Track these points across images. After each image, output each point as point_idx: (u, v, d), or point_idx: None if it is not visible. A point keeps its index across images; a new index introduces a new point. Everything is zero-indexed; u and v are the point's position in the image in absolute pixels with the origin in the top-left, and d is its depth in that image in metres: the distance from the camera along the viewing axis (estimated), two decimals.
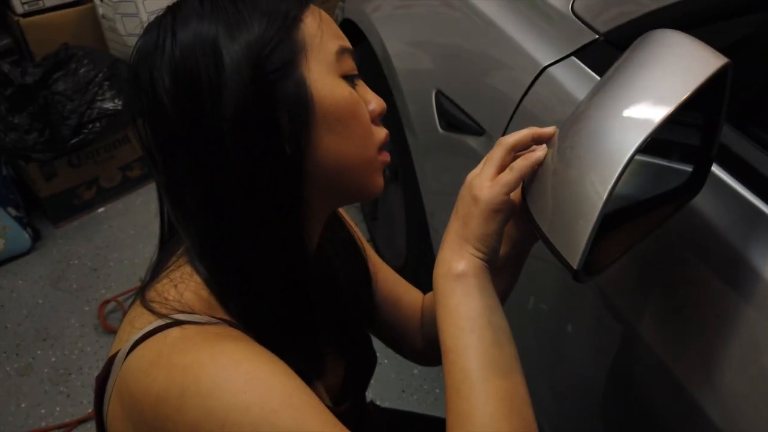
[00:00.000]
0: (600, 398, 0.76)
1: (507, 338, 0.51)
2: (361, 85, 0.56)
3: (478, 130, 0.98)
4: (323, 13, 0.55)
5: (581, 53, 0.81)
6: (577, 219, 0.44)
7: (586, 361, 0.77)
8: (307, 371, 0.54)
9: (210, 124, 0.48)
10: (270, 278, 0.52)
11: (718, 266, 0.57)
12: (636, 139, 0.42)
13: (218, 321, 0.51)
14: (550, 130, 0.53)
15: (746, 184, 0.57)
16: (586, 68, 0.79)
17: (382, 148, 0.56)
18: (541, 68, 0.84)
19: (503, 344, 0.50)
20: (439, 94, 1.08)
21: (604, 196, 0.42)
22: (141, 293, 0.53)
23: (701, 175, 0.55)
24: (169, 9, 0.52)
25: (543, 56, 0.85)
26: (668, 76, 0.46)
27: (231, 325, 0.51)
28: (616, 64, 0.53)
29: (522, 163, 0.51)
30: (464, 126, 1.02)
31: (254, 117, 0.48)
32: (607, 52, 0.78)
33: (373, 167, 0.55)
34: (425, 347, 0.78)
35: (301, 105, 0.50)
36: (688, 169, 0.55)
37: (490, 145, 0.94)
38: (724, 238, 0.56)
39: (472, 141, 1.00)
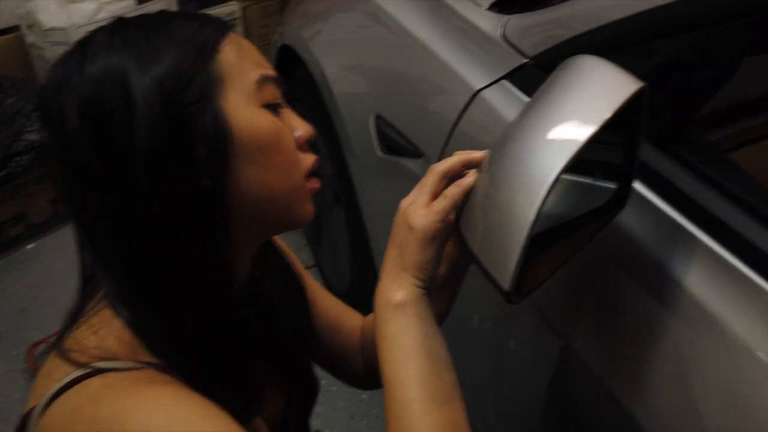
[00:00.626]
0: (540, 413, 0.77)
1: (446, 366, 0.51)
2: (287, 113, 0.55)
3: (416, 153, 0.99)
4: (244, 41, 0.54)
5: (512, 76, 0.83)
6: (506, 241, 0.45)
7: (527, 376, 0.78)
8: (246, 408, 0.53)
9: (123, 161, 0.47)
10: (195, 316, 0.51)
11: (643, 279, 0.59)
12: (560, 160, 0.44)
13: (143, 365, 0.49)
14: (479, 154, 0.54)
15: (666, 199, 0.59)
16: (517, 91, 0.82)
17: (312, 174, 0.56)
18: (474, 92, 0.86)
19: (443, 373, 0.50)
20: (378, 118, 1.09)
21: (531, 218, 0.43)
22: (57, 343, 0.50)
23: (624, 192, 0.57)
24: (79, 43, 0.51)
25: (475, 80, 0.87)
26: (589, 100, 0.48)
27: (157, 368, 0.49)
28: (540, 89, 0.55)
29: (454, 190, 0.51)
30: (403, 149, 1.03)
31: (169, 152, 0.47)
32: (536, 75, 0.80)
33: (300, 196, 0.55)
34: (366, 371, 0.77)
35: (219, 138, 0.48)
36: (613, 186, 0.57)
37: (427, 168, 0.95)
38: (648, 251, 0.59)
39: (411, 164, 1.01)
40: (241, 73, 0.51)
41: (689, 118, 0.62)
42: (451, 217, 0.53)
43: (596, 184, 0.57)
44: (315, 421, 0.73)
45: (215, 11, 2.73)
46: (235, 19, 2.81)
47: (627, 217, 0.59)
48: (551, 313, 0.69)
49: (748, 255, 0.53)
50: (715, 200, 0.56)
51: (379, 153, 1.10)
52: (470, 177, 0.52)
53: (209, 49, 0.50)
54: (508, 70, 0.84)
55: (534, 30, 0.83)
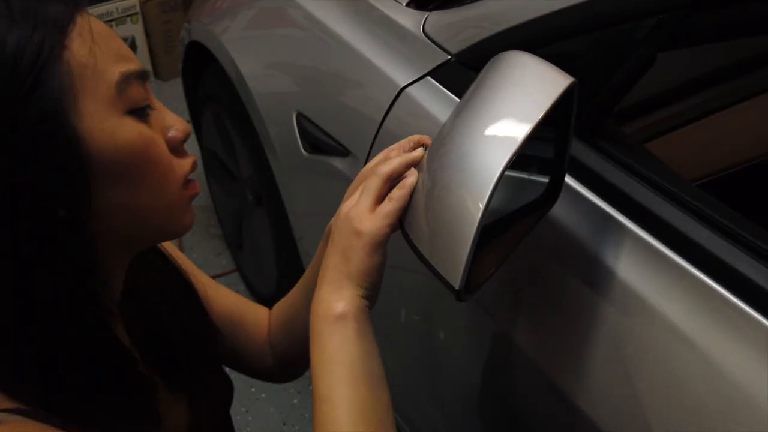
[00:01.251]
0: (479, 405, 0.78)
1: (382, 386, 0.50)
2: (158, 112, 0.48)
3: (342, 152, 0.98)
4: (96, 23, 0.45)
5: (436, 73, 0.84)
6: (455, 240, 0.45)
7: (465, 369, 0.79)
8: (146, 429, 0.50)
9: None
10: (63, 348, 0.45)
11: (576, 269, 0.61)
12: (502, 158, 0.44)
13: (7, 413, 0.43)
14: (419, 153, 0.53)
15: (595, 191, 0.61)
16: (442, 87, 0.82)
17: (189, 177, 0.51)
18: (399, 89, 0.86)
19: (378, 393, 0.49)
20: (300, 116, 1.06)
21: (479, 215, 0.43)
22: None
23: (557, 185, 0.58)
24: None
25: (400, 77, 0.87)
26: (524, 96, 0.48)
27: (25, 414, 0.43)
28: (472, 86, 0.55)
29: (400, 193, 0.50)
30: (328, 148, 1.01)
31: (11, 186, 0.40)
32: (460, 71, 0.81)
33: (177, 207, 0.49)
34: (276, 365, 0.74)
35: (72, 164, 0.41)
36: (545, 180, 0.58)
37: (356, 166, 0.94)
38: (580, 242, 0.61)
39: (337, 162, 0.99)
40: (97, 74, 0.42)
41: (609, 112, 0.64)
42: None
43: (529, 178, 0.58)
44: (247, 430, 0.70)
45: (111, 6, 2.57)
46: (134, 14, 2.66)
47: (559, 210, 0.61)
48: (488, 304, 0.70)
49: (675, 242, 0.56)
50: (642, 190, 0.59)
51: (303, 152, 1.07)
52: (412, 177, 0.51)
53: (50, 51, 0.40)
54: (431, 67, 0.84)
55: (455, 27, 0.84)
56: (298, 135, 1.08)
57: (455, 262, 0.45)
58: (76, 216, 0.42)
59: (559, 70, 0.51)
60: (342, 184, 1.00)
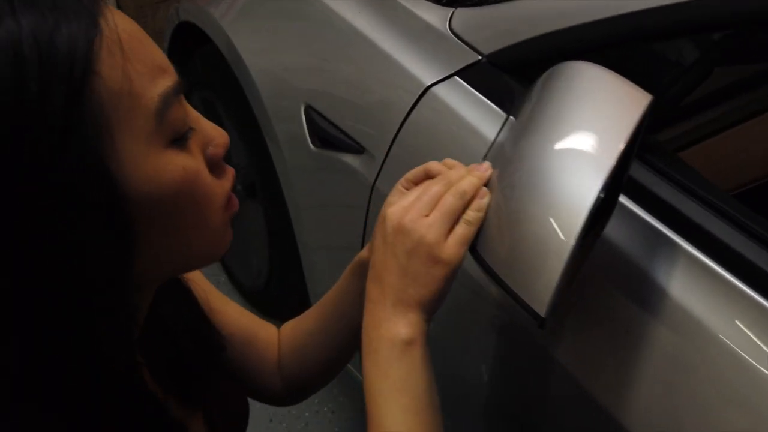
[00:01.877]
0: (513, 419, 0.77)
1: (440, 416, 0.48)
2: (197, 125, 0.42)
3: (357, 149, 0.94)
4: (123, 23, 0.36)
5: (464, 73, 0.81)
6: (542, 268, 0.43)
7: (500, 385, 0.78)
8: None
9: None
10: (92, 399, 0.41)
11: (625, 286, 0.60)
12: (595, 185, 0.42)
13: None
14: (489, 171, 0.51)
15: (646, 208, 0.60)
16: (471, 88, 0.80)
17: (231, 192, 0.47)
18: (424, 87, 0.83)
19: (439, 424, 0.48)
20: (310, 109, 1.02)
21: (572, 243, 0.41)
22: None
23: (612, 200, 0.57)
24: None
25: (425, 75, 0.84)
26: (606, 115, 0.47)
27: None
28: (533, 98, 0.53)
29: (478, 215, 0.48)
30: (341, 144, 0.97)
31: (45, 240, 0.35)
32: (491, 73, 0.79)
33: (219, 231, 0.45)
34: (284, 387, 0.71)
35: (114, 215, 0.36)
36: (602, 195, 0.57)
37: (371, 164, 0.91)
38: (631, 259, 0.60)
39: (350, 159, 0.96)
40: (134, 103, 0.36)
41: (662, 124, 0.63)
42: None
43: None
44: None
45: None
46: None
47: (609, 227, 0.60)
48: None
49: (726, 258, 0.55)
50: (692, 205, 0.58)
51: (312, 146, 1.03)
52: (486, 197, 0.48)
53: (82, 78, 0.33)
54: (460, 67, 0.82)
55: (485, 26, 0.82)
56: (306, 128, 1.03)
57: (542, 291, 0.43)
58: (116, 264, 0.38)
59: (635, 85, 0.50)
60: (353, 181, 0.97)
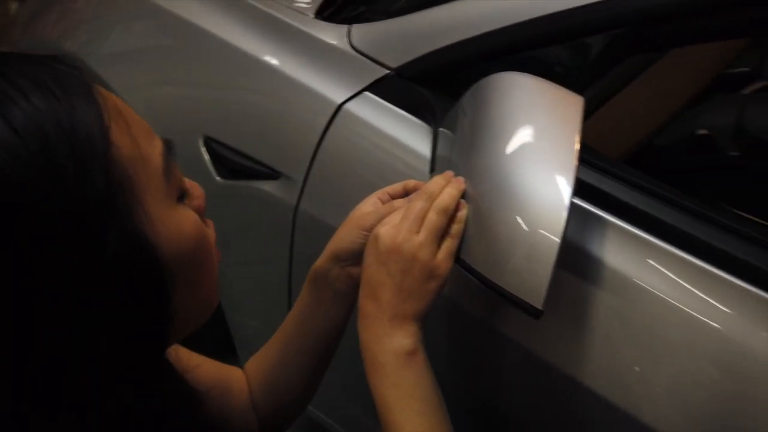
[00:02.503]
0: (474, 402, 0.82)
1: (447, 413, 0.52)
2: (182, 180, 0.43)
3: (271, 174, 0.93)
4: (114, 99, 0.38)
5: (375, 88, 0.84)
6: (534, 266, 0.47)
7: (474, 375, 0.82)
8: None
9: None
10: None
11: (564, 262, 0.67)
12: (568, 181, 0.47)
13: None
14: (463, 184, 0.54)
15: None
16: (383, 101, 0.83)
17: None
18: (336, 106, 0.85)
19: (449, 420, 0.52)
20: (210, 140, 0.99)
21: (559, 239, 0.46)
22: None
23: None
24: None
25: (335, 94, 0.85)
26: (551, 119, 0.52)
27: None
28: (469, 113, 0.57)
29: (460, 227, 0.52)
30: (252, 172, 0.96)
31: (91, 312, 0.35)
32: (401, 85, 0.83)
33: (216, 282, 0.46)
34: (260, 424, 0.71)
35: (154, 278, 0.37)
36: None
37: (291, 188, 0.91)
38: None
39: (265, 185, 0.95)
40: (145, 165, 0.37)
41: None
42: None
43: None
44: None
45: None
46: None
47: None
48: (469, 306, 0.73)
49: (633, 217, 0.64)
50: (608, 181, 0.66)
51: (218, 178, 1.00)
52: (464, 209, 0.52)
53: (103, 151, 0.34)
54: (369, 82, 0.84)
55: (388, 41, 0.85)
56: (209, 160, 1.00)
57: (536, 286, 0.47)
58: (157, 327, 0.38)
59: (565, 89, 0.56)
60: (271, 206, 0.96)
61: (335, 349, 0.67)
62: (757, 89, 1.13)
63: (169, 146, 0.40)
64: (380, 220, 0.57)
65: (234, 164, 0.97)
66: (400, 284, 0.50)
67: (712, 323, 0.60)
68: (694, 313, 0.60)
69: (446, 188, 0.53)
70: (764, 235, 0.59)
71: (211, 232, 0.45)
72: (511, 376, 0.74)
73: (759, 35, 1.16)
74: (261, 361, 0.70)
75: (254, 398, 0.69)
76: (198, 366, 0.63)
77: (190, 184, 0.44)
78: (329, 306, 0.62)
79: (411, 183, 0.58)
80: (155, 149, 0.38)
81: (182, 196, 0.41)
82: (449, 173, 0.56)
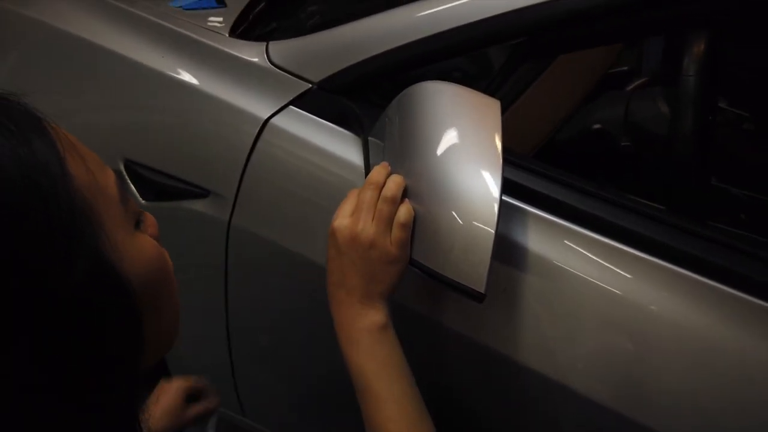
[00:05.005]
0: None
1: (413, 376, 0.58)
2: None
3: (200, 193, 0.94)
4: (64, 132, 0.38)
5: (299, 102, 0.87)
6: (474, 255, 0.52)
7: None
8: None
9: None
10: None
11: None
12: (495, 179, 0.53)
13: None
14: (402, 181, 0.59)
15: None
16: (309, 114, 0.86)
17: None
18: (262, 121, 0.87)
19: (415, 384, 0.58)
20: (131, 163, 0.97)
21: (494, 228, 0.51)
22: None
23: None
24: None
25: (260, 109, 0.87)
26: (475, 123, 0.58)
27: None
28: (396, 122, 0.62)
29: (409, 219, 0.56)
30: (179, 192, 0.95)
31: (64, 345, 0.34)
32: (325, 97, 0.86)
33: (178, 312, 0.47)
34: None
35: (126, 307, 0.37)
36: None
37: (222, 205, 0.91)
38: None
39: (194, 204, 0.95)
40: (102, 194, 0.37)
41: None
42: None
43: None
44: None
45: None
46: None
47: None
48: (412, 301, 0.78)
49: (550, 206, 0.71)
50: (520, 174, 0.73)
51: (143, 201, 0.99)
52: (407, 204, 0.57)
53: (64, 184, 0.34)
54: (294, 96, 0.87)
55: (307, 56, 0.88)
56: (131, 184, 0.98)
57: (477, 272, 0.52)
58: (130, 358, 0.38)
59: (483, 94, 0.62)
60: (201, 225, 0.96)
61: None
62: (638, 85, 1.26)
63: (120, 176, 0.40)
64: None
65: (159, 186, 0.96)
66: (364, 269, 0.55)
67: (616, 291, 0.68)
68: (602, 284, 0.68)
69: (390, 178, 0.58)
70: (651, 209, 0.68)
71: (167, 259, 0.45)
72: (456, 364, 0.79)
73: (634, 39, 1.31)
74: None
75: None
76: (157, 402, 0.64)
77: (143, 213, 0.45)
78: None
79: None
80: (109, 179, 0.39)
81: (138, 222, 0.42)
82: (386, 163, 0.61)
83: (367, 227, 0.56)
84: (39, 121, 0.36)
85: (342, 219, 0.57)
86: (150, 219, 0.45)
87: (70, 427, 0.36)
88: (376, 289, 0.56)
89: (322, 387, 1.00)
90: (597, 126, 1.06)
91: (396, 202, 0.57)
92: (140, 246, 0.40)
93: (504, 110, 1.02)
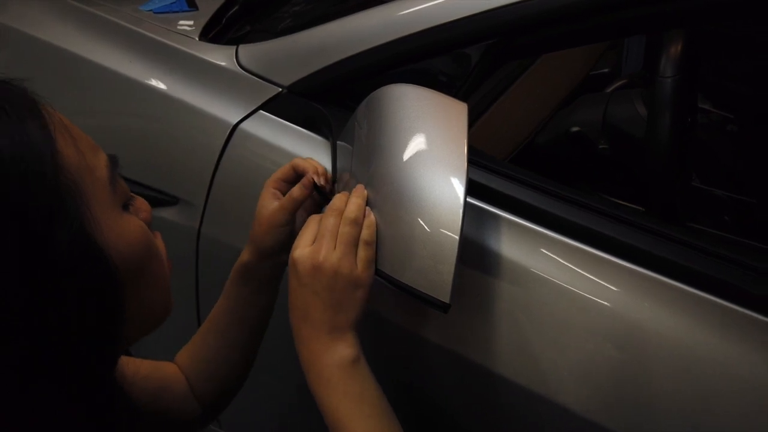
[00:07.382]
0: None
1: (392, 410, 0.55)
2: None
3: (168, 201, 0.91)
4: (59, 115, 0.41)
5: (269, 106, 0.85)
6: (438, 264, 0.50)
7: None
8: None
9: None
10: None
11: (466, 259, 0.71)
12: (459, 186, 0.51)
13: None
14: (365, 192, 0.56)
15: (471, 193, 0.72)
16: (278, 119, 0.84)
17: None
18: (231, 126, 0.85)
19: (396, 421, 0.54)
20: None
21: (458, 239, 0.49)
22: None
23: None
24: None
25: (230, 114, 0.85)
26: (442, 126, 0.56)
27: None
28: (364, 125, 0.60)
29: (371, 233, 0.53)
30: (147, 200, 0.93)
31: (45, 317, 0.36)
32: (294, 101, 0.84)
33: (169, 290, 0.49)
34: (204, 407, 0.73)
35: (106, 282, 0.39)
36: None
37: (191, 213, 0.89)
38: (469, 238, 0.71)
39: (163, 212, 0.92)
40: (91, 174, 0.40)
41: None
42: None
43: None
44: None
45: None
46: None
47: None
48: (394, 314, 0.76)
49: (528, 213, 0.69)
50: (494, 179, 0.71)
51: None
52: (371, 216, 0.54)
53: (52, 160, 0.37)
54: (263, 100, 0.85)
55: (277, 60, 0.86)
56: None
57: (442, 281, 0.50)
58: (109, 332, 0.39)
59: (449, 96, 0.60)
60: (171, 232, 0.93)
61: (268, 322, 0.70)
62: (617, 87, 1.25)
63: (114, 160, 0.43)
64: (290, 213, 0.62)
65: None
66: (329, 300, 0.52)
67: (601, 301, 0.66)
68: (585, 294, 0.66)
69: (351, 199, 0.55)
70: (631, 216, 0.66)
71: (160, 243, 0.48)
72: (433, 375, 0.77)
73: (616, 38, 1.29)
74: (193, 353, 0.72)
75: (194, 387, 0.71)
76: (137, 373, 0.63)
77: (137, 199, 0.47)
78: (258, 295, 0.67)
79: (298, 161, 0.63)
80: (100, 161, 0.41)
81: (126, 205, 0.43)
82: (345, 193, 0.58)
83: (330, 255, 0.52)
84: (35, 103, 0.39)
85: (303, 248, 0.53)
86: (143, 204, 0.47)
87: (47, 392, 0.37)
88: (343, 319, 0.52)
89: (301, 398, 0.97)
90: (575, 129, 1.04)
91: (359, 224, 0.54)
92: (125, 225, 0.41)
93: (482, 113, 1.01)
